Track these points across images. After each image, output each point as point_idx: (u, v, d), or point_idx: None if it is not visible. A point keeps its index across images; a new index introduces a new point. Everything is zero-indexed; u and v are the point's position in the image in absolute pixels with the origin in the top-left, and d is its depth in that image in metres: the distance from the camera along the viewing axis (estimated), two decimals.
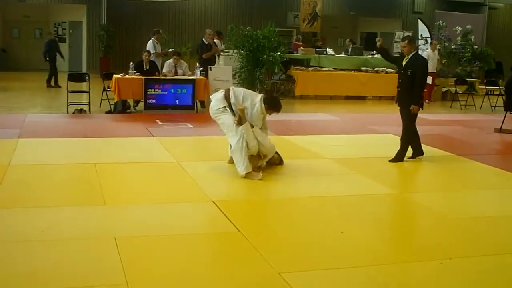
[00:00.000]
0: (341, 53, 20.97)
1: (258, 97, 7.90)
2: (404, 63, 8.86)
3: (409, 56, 8.83)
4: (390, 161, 8.89)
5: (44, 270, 4.60)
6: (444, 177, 8.51)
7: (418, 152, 9.23)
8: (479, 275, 4.88)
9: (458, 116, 15.43)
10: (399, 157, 8.98)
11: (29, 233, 5.43)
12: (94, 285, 4.40)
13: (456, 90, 18.15)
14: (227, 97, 7.84)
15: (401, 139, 9.10)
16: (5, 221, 5.76)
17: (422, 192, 7.52)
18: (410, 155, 9.13)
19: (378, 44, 9.39)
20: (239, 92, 7.94)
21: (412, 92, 8.78)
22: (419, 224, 6.31)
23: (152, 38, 15.62)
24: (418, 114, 9.04)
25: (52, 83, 19.06)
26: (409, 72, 8.77)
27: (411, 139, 9.10)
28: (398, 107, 9.13)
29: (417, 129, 9.13)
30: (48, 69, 19.26)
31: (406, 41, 8.93)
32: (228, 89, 8.00)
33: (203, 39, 16.00)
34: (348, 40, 22.95)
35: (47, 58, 19.20)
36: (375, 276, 4.78)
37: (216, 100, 7.96)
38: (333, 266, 4.90)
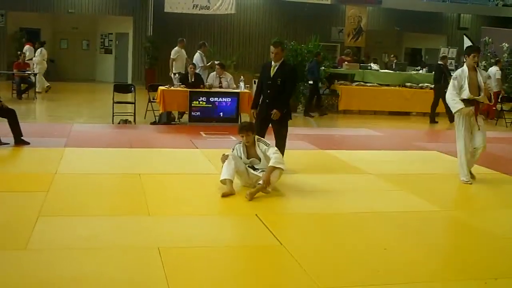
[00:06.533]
0: (385, 68, 20.92)
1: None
2: (272, 72, 8.52)
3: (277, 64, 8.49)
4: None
5: (87, 278, 4.65)
6: (489, 196, 8.38)
7: None
8: None
9: (504, 134, 15.17)
10: None
11: (73, 241, 5.50)
12: None
13: (501, 107, 17.91)
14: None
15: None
16: (50, 229, 5.85)
17: (466, 210, 7.42)
18: None
19: None
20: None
21: (280, 98, 8.49)
22: (464, 242, 6.22)
23: (198, 51, 15.74)
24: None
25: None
26: (279, 81, 8.45)
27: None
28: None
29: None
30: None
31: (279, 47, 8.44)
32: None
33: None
34: (392, 55, 22.87)
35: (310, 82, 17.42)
36: None
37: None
38: (375, 283, 4.86)
